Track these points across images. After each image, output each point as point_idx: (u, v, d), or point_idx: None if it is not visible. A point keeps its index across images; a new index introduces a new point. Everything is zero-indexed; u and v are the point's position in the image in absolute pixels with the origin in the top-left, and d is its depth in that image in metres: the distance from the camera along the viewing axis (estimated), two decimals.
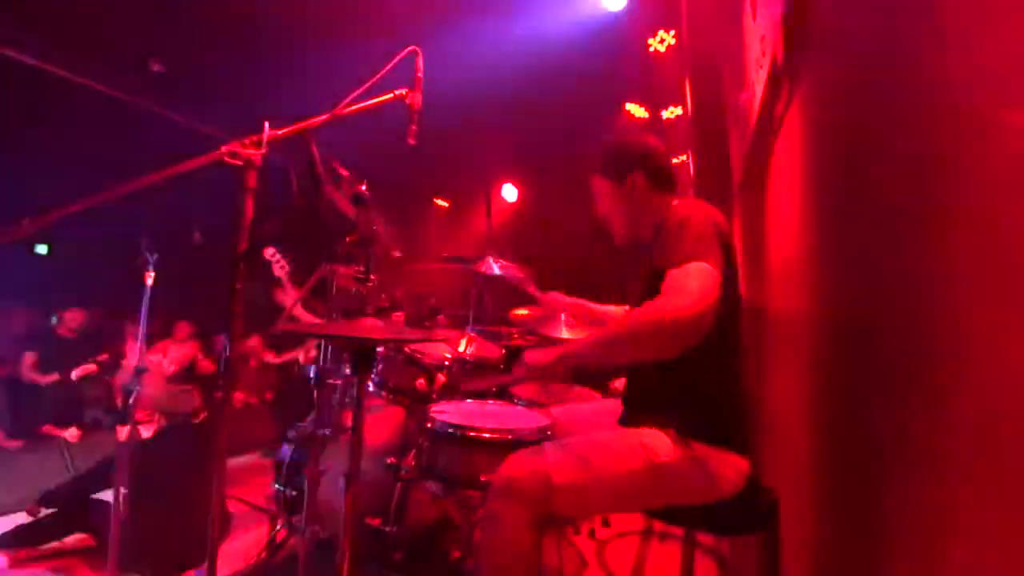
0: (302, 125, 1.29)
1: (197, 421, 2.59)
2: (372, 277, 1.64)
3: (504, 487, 1.30)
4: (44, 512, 2.54)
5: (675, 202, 1.53)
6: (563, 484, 1.27)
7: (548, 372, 1.38)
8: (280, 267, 2.75)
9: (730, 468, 1.31)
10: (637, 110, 4.36)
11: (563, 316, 2.67)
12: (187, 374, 4.20)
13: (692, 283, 1.16)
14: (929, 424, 0.57)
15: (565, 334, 2.53)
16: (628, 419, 1.53)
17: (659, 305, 1.16)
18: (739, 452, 1.34)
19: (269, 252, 2.75)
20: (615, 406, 1.65)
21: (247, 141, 1.21)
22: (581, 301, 1.97)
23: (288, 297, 2.82)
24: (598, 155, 1.60)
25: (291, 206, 1.29)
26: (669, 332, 1.14)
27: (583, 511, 1.44)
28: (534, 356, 1.39)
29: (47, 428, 3.43)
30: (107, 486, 2.22)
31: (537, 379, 1.43)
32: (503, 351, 2.46)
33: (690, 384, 1.35)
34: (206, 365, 4.39)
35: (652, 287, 1.28)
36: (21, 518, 2.55)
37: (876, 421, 0.71)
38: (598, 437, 1.41)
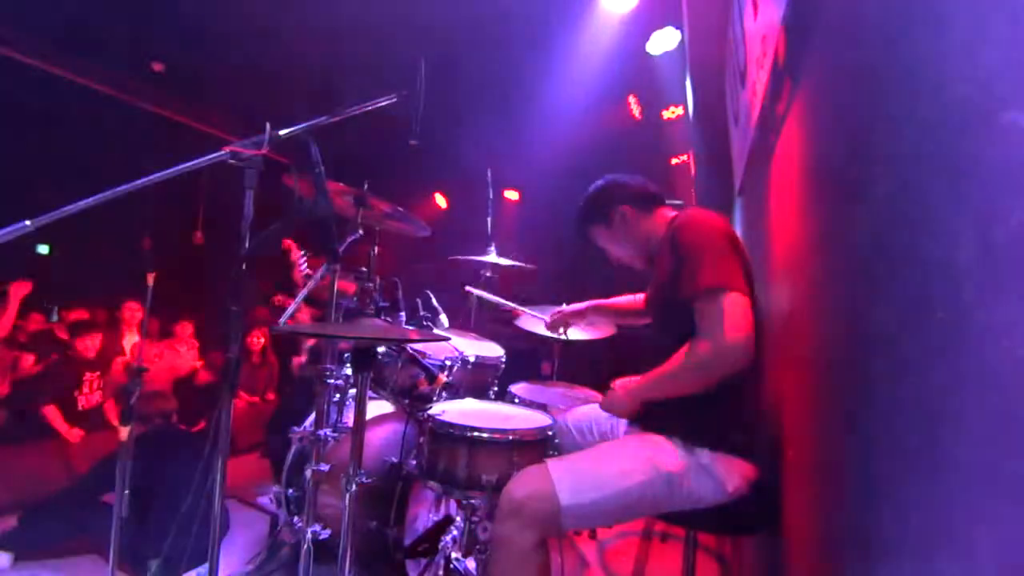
0: (304, 126, 1.29)
1: (173, 422, 2.58)
2: (375, 277, 1.64)
3: (512, 510, 1.29)
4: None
5: (672, 213, 1.55)
6: (571, 504, 1.26)
7: (621, 412, 1.50)
8: (301, 272, 2.71)
9: (735, 474, 1.31)
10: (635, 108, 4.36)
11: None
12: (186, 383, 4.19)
13: (728, 321, 1.24)
14: (930, 424, 0.57)
15: (567, 334, 2.53)
16: (633, 419, 1.53)
17: (706, 349, 1.27)
18: (745, 457, 1.34)
19: (296, 256, 2.71)
20: None
21: (248, 141, 1.21)
22: (599, 302, 2.04)
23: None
24: (580, 213, 1.68)
25: (295, 208, 1.29)
26: (718, 371, 1.27)
27: (591, 525, 1.45)
28: (616, 396, 1.50)
29: (47, 409, 3.40)
30: (108, 487, 2.22)
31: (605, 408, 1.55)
32: (503, 351, 2.46)
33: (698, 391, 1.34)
34: (205, 376, 4.38)
35: (672, 303, 1.35)
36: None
37: (877, 421, 0.71)
38: (602, 450, 1.40)
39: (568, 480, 1.28)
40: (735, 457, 1.32)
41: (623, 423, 1.63)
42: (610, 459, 1.34)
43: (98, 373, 3.69)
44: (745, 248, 1.39)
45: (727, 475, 1.30)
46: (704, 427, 1.32)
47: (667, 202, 1.64)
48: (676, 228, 1.39)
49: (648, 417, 1.44)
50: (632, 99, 4.25)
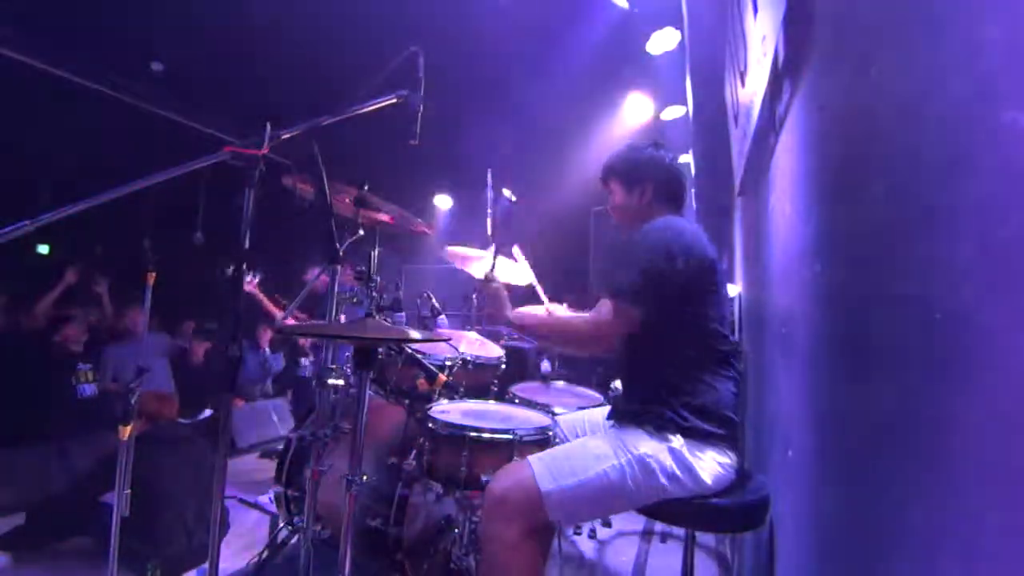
0: (304, 126, 1.29)
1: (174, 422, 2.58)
2: (376, 277, 1.64)
3: (494, 505, 1.32)
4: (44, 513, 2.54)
5: (664, 217, 1.57)
6: (551, 490, 1.29)
7: (495, 320, 1.70)
8: (249, 283, 2.71)
9: (711, 461, 1.35)
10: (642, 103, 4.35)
11: None
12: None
13: (609, 321, 1.44)
14: (928, 424, 0.57)
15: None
16: (613, 415, 1.57)
17: (585, 326, 1.54)
18: (722, 447, 1.37)
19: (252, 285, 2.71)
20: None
21: (248, 141, 1.21)
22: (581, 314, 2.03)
23: (276, 308, 2.79)
24: (615, 162, 1.71)
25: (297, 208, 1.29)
26: (580, 347, 1.61)
27: (576, 515, 1.47)
28: (494, 309, 1.68)
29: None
30: (108, 487, 2.21)
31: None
32: (503, 351, 2.46)
33: (668, 384, 1.40)
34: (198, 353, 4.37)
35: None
36: (21, 518, 2.54)
37: (875, 420, 0.72)
38: (579, 441, 1.47)
39: (547, 468, 1.33)
40: (709, 446, 1.35)
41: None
42: (586, 446, 1.40)
43: (91, 366, 3.67)
44: (709, 260, 1.45)
45: (701, 462, 1.33)
46: (674, 417, 1.36)
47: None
48: (641, 231, 1.48)
49: (623, 413, 1.48)
50: (639, 96, 4.25)
